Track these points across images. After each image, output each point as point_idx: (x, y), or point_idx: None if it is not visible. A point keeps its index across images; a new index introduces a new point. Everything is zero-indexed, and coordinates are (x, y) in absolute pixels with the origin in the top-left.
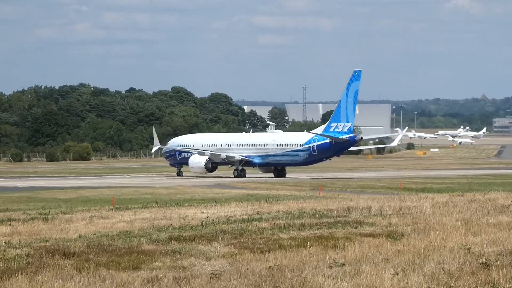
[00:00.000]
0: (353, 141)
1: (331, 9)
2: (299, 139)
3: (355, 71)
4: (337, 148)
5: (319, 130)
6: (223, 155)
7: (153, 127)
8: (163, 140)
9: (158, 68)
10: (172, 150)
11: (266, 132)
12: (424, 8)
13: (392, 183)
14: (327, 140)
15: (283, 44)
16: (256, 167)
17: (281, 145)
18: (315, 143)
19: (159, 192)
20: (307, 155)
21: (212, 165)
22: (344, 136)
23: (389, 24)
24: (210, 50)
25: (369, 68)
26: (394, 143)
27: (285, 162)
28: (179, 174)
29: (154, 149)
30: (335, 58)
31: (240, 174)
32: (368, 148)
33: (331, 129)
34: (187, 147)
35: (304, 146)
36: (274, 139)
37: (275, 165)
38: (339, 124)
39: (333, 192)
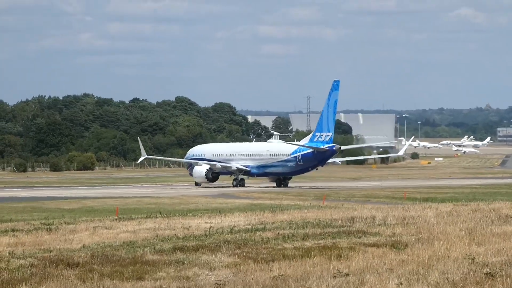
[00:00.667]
0: (333, 151)
1: (334, 18)
2: (287, 149)
3: (334, 81)
4: (319, 157)
5: (306, 140)
6: (218, 165)
7: (138, 137)
8: (166, 150)
9: (161, 78)
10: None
11: (267, 141)
12: (428, 17)
13: (396, 193)
14: (310, 150)
15: (287, 53)
16: (254, 176)
17: (273, 154)
18: (300, 153)
19: (162, 202)
20: (294, 165)
21: (212, 175)
22: (325, 146)
23: (393, 34)
24: (214, 60)
25: (373, 78)
26: (400, 153)
27: (277, 172)
28: (197, 184)
29: (140, 160)
30: (339, 67)
31: (239, 184)
32: (372, 158)
33: (315, 139)
34: (199, 157)
35: (291, 156)
36: (268, 149)
37: (269, 175)
38: (321, 134)
39: (337, 202)
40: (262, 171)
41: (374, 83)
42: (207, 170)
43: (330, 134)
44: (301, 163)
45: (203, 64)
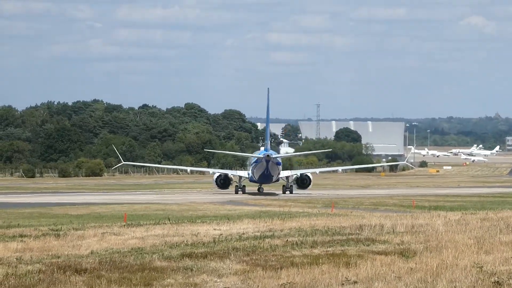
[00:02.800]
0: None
1: (345, 26)
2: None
3: (268, 88)
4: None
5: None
6: (223, 172)
7: (112, 144)
8: (175, 157)
9: (171, 84)
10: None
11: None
12: (438, 26)
13: (405, 201)
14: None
15: (297, 61)
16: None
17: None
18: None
19: (171, 208)
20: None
21: (221, 182)
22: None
23: (403, 42)
24: (224, 67)
25: (383, 86)
26: (405, 161)
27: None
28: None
29: (116, 166)
30: (349, 75)
31: (239, 190)
32: (381, 166)
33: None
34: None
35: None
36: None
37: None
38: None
39: (346, 210)
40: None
41: (383, 91)
42: (216, 177)
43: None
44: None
45: (212, 71)
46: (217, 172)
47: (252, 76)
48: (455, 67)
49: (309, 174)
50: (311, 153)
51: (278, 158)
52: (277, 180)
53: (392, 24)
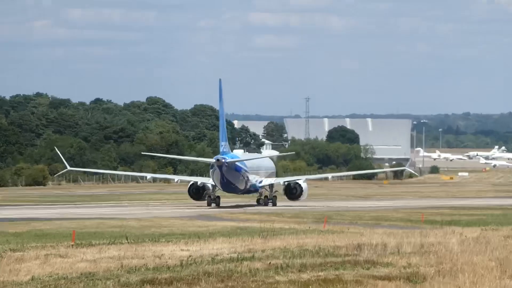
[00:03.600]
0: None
1: (341, 5)
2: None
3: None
4: None
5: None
6: (196, 180)
7: (56, 147)
8: (135, 162)
9: (131, 75)
10: None
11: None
12: (454, 4)
13: (412, 214)
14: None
15: (283, 46)
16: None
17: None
18: None
19: (129, 224)
20: None
21: (194, 191)
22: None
23: (412, 24)
24: (195, 54)
25: (386, 76)
26: (406, 167)
27: None
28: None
29: (61, 172)
30: (346, 64)
31: (212, 201)
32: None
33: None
34: None
35: None
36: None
37: None
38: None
39: (341, 225)
40: None
41: (387, 83)
42: (189, 186)
43: (223, 144)
44: None
45: (182, 59)
46: (184, 179)
47: (228, 65)
48: (473, 54)
49: (300, 182)
50: (281, 155)
51: (238, 163)
52: (250, 189)
53: (399, 3)
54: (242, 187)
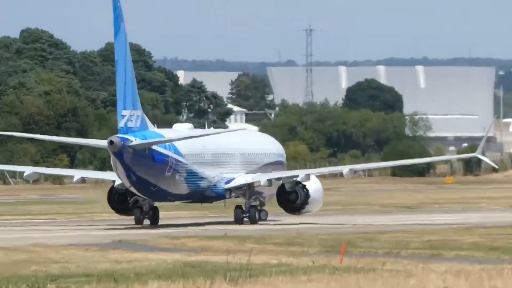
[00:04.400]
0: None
1: None
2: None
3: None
4: None
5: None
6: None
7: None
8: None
9: None
10: None
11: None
12: None
13: (499, 238)
14: None
15: None
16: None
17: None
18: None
19: None
20: None
21: (118, 199)
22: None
23: None
24: None
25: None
26: (478, 152)
27: None
28: None
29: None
30: None
31: (145, 216)
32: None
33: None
34: None
35: None
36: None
37: None
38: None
39: (371, 257)
40: None
41: (451, 13)
42: None
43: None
44: None
45: None
46: (93, 177)
47: None
48: None
49: (303, 180)
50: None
51: (160, 147)
52: (205, 193)
53: None
54: (174, 189)
